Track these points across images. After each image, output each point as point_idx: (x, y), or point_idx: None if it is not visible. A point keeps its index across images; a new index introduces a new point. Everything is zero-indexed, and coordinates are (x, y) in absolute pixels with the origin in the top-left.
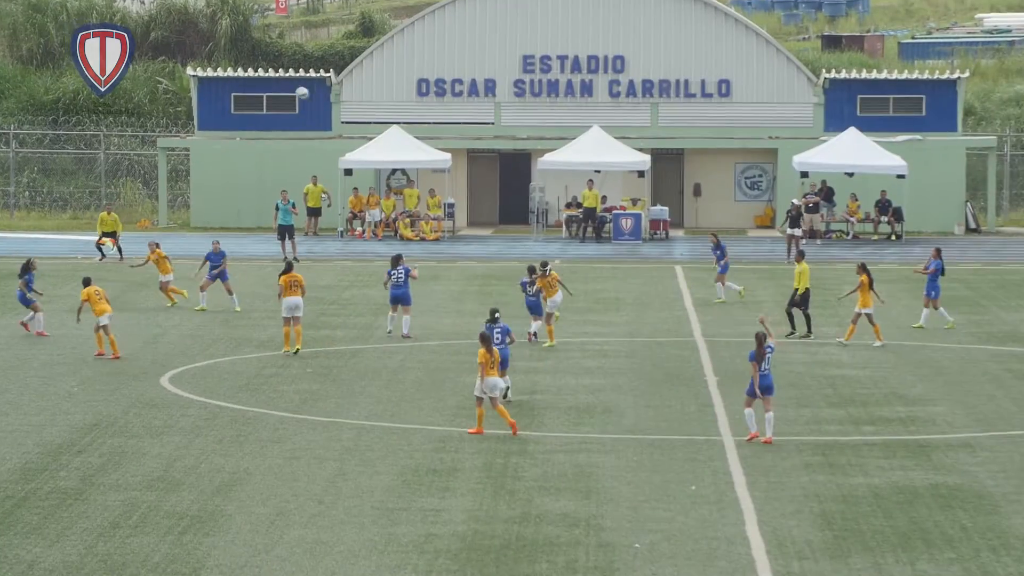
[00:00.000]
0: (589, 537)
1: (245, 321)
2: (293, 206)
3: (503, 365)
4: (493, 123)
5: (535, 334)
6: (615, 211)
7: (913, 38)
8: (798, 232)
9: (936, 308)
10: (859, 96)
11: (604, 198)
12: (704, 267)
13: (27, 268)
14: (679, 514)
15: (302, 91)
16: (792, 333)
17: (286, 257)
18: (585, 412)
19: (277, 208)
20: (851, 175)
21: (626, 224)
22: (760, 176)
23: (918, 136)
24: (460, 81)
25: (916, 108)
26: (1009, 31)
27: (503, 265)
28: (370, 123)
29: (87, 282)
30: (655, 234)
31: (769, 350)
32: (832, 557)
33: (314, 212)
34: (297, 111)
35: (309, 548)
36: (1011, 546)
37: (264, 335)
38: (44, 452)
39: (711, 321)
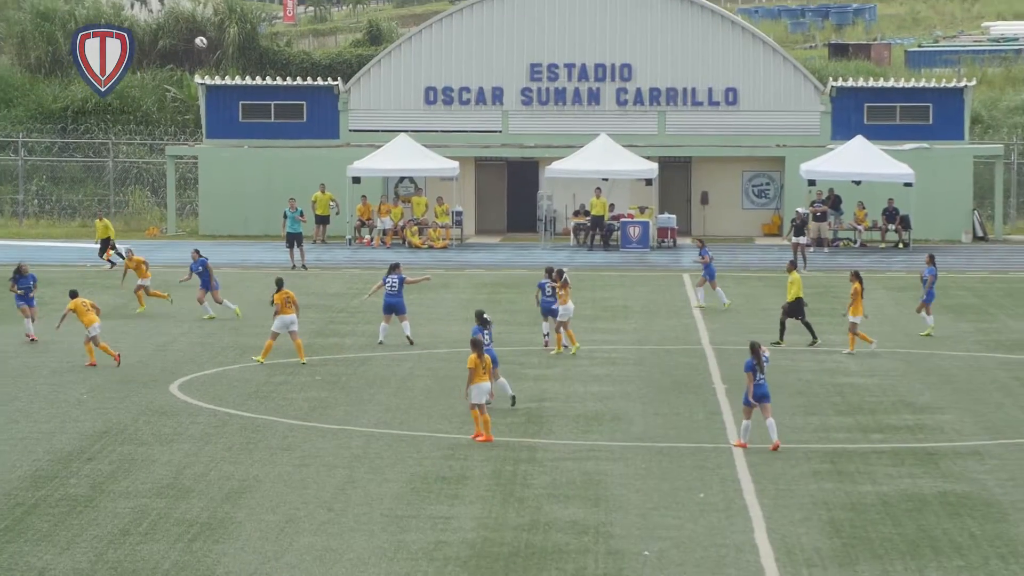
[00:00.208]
0: (598, 544)
1: (254, 329)
2: (301, 214)
3: (494, 364)
4: (501, 131)
5: (547, 335)
6: (623, 219)
7: (920, 46)
8: (803, 240)
9: (928, 313)
10: (866, 104)
11: (612, 206)
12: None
13: (20, 272)
14: (688, 521)
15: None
16: (779, 343)
17: (278, 279)
18: (594, 420)
19: (285, 216)
20: (858, 183)
21: (634, 232)
22: (767, 184)
23: (925, 144)
24: (468, 89)
25: (923, 116)
26: (1016, 39)
27: (511, 273)
28: (378, 131)
29: (74, 294)
30: (663, 242)
31: (766, 360)
32: (841, 565)
33: (322, 220)
34: (305, 119)
35: (319, 555)
36: (1020, 554)
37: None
38: (54, 459)
39: (719, 329)
